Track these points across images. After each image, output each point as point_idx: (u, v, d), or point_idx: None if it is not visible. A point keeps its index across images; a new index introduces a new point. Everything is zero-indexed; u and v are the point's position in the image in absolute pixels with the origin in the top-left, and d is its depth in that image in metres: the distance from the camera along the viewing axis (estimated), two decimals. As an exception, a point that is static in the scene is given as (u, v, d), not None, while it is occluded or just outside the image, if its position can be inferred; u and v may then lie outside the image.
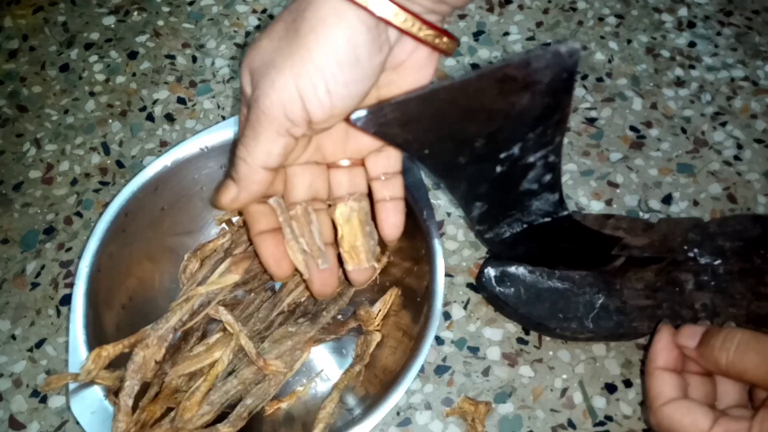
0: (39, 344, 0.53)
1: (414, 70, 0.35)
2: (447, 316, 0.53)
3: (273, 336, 0.47)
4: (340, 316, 0.51)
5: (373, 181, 0.40)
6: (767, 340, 0.30)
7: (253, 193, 0.35)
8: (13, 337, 0.53)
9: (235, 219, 0.53)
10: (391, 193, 0.39)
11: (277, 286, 0.51)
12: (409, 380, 0.42)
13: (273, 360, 0.45)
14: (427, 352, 0.42)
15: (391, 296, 0.50)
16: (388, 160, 0.39)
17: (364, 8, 0.29)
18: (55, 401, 0.50)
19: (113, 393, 0.43)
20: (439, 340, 0.52)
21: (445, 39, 0.33)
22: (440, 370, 0.51)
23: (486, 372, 0.50)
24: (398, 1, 0.30)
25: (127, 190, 0.49)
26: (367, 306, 0.49)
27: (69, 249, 0.56)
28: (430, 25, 0.31)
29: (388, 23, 0.30)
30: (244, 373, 0.45)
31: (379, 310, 0.49)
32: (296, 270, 0.41)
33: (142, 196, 0.49)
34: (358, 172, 0.40)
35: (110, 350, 0.43)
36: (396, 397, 0.41)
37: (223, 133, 0.51)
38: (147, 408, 0.43)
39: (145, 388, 0.44)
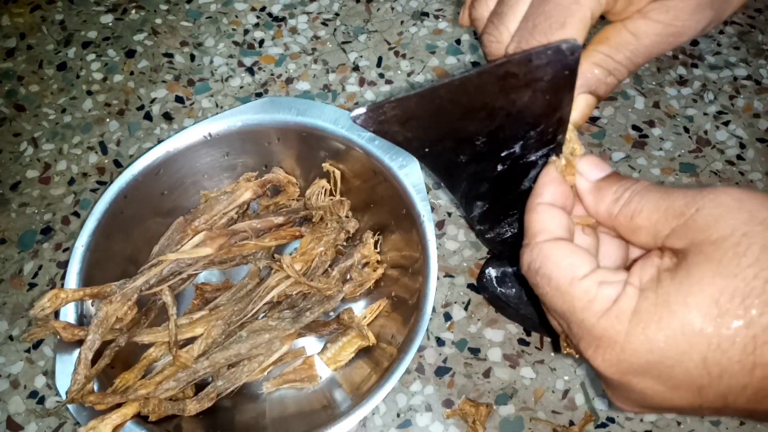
0: (36, 345, 0.52)
1: None
2: (447, 317, 0.52)
3: (252, 326, 0.47)
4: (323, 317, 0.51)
5: None
6: (669, 192, 0.27)
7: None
8: (11, 337, 0.52)
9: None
10: None
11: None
12: (398, 375, 0.42)
13: (184, 353, 0.45)
14: (414, 352, 0.43)
15: (379, 307, 0.50)
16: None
17: None
18: (53, 402, 0.50)
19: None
20: (439, 342, 0.51)
21: None
22: (441, 371, 0.50)
23: (487, 373, 0.50)
24: None
25: (127, 173, 0.49)
26: (351, 311, 0.48)
27: (66, 249, 0.56)
28: None
29: None
30: (216, 357, 0.46)
31: (365, 317, 0.49)
32: None
33: (142, 179, 0.49)
34: None
35: (69, 294, 0.44)
36: (383, 393, 0.42)
37: (228, 121, 0.50)
38: (122, 376, 0.45)
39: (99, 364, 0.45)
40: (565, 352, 0.32)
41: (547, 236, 0.29)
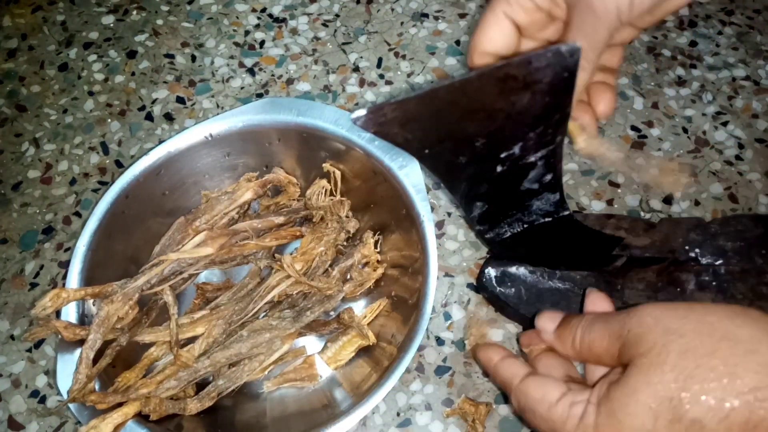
0: (38, 345, 0.52)
1: None
2: (447, 316, 0.53)
3: (253, 326, 0.48)
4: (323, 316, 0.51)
5: None
6: (608, 320, 0.33)
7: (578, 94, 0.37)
8: (12, 337, 0.53)
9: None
10: (602, 78, 0.40)
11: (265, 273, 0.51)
12: (398, 374, 0.43)
13: (185, 352, 0.46)
14: (414, 351, 0.43)
15: (380, 306, 0.50)
16: (610, 54, 0.40)
17: None
18: (55, 402, 0.50)
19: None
20: (439, 341, 0.51)
21: None
22: (440, 370, 0.50)
23: (486, 373, 0.50)
24: None
25: (129, 174, 0.49)
26: (351, 310, 0.49)
27: (68, 249, 0.56)
28: None
29: None
30: (217, 356, 0.46)
31: (365, 316, 0.50)
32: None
33: (143, 179, 0.49)
34: None
35: (70, 294, 0.44)
36: (383, 392, 0.42)
37: (229, 121, 0.51)
38: (123, 376, 0.45)
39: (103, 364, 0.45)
40: None
41: (519, 378, 0.36)
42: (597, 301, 0.38)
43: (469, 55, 0.39)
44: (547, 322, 0.38)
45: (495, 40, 0.38)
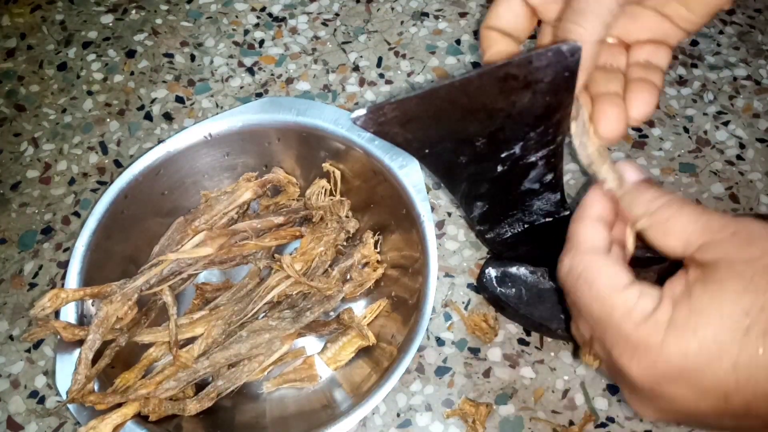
0: (37, 345, 0.52)
1: None
2: (448, 317, 0.52)
3: (252, 326, 0.47)
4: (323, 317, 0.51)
5: (631, 66, 0.36)
6: (708, 212, 0.29)
7: (588, 69, 0.32)
8: (11, 337, 0.52)
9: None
10: (644, 75, 0.36)
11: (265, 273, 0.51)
12: (398, 375, 0.43)
13: (184, 353, 0.45)
14: (414, 352, 0.43)
15: (380, 306, 0.50)
16: (656, 53, 0.37)
17: None
18: (54, 402, 0.50)
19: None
20: (439, 341, 0.51)
21: None
22: (441, 371, 0.50)
23: (487, 373, 0.50)
24: None
25: (128, 173, 0.49)
26: (351, 310, 0.49)
27: (67, 249, 0.56)
28: None
29: None
30: (216, 357, 0.46)
31: (365, 317, 0.49)
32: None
33: (143, 179, 0.49)
34: (619, 53, 0.36)
35: (70, 294, 0.44)
36: (383, 393, 0.42)
37: (228, 121, 0.51)
38: (122, 376, 0.45)
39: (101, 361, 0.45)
40: (584, 360, 0.33)
41: (591, 247, 0.31)
42: (634, 171, 0.32)
43: (480, 37, 0.37)
44: (634, 170, 0.32)
45: (503, 17, 0.35)
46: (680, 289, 0.27)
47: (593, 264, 0.30)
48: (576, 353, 0.50)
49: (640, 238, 0.32)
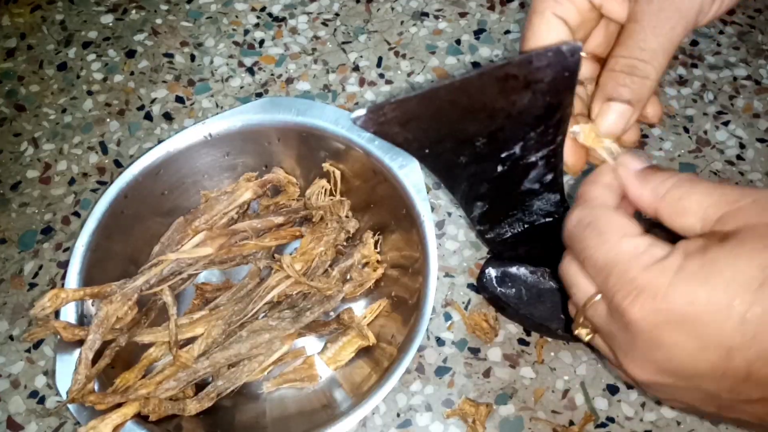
0: (37, 345, 0.52)
1: None
2: (448, 317, 0.52)
3: (252, 326, 0.47)
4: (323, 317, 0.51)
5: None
6: (721, 185, 0.28)
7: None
8: (11, 337, 0.52)
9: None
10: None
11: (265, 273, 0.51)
12: (398, 375, 0.43)
13: (184, 353, 0.45)
14: (414, 352, 0.43)
15: (379, 306, 0.50)
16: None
17: None
18: (54, 402, 0.50)
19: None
20: (439, 341, 0.51)
21: None
22: (441, 371, 0.50)
23: (487, 373, 0.50)
24: None
25: (128, 173, 0.49)
26: (351, 310, 0.49)
27: (66, 249, 0.56)
28: None
29: None
30: (216, 357, 0.46)
31: (365, 317, 0.49)
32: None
33: (143, 179, 0.49)
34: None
35: (69, 294, 0.44)
36: (383, 393, 0.42)
37: (228, 121, 0.51)
38: (122, 376, 0.45)
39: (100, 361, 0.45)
40: (575, 331, 0.32)
41: (602, 203, 0.30)
42: (635, 160, 0.32)
43: None
44: (634, 159, 0.31)
45: (548, 41, 0.34)
46: (695, 246, 0.26)
47: (604, 214, 0.29)
48: (567, 329, 0.49)
49: (659, 225, 0.31)
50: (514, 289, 0.49)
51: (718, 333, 0.24)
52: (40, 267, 0.56)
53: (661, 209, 0.29)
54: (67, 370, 0.43)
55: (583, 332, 0.31)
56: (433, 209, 0.56)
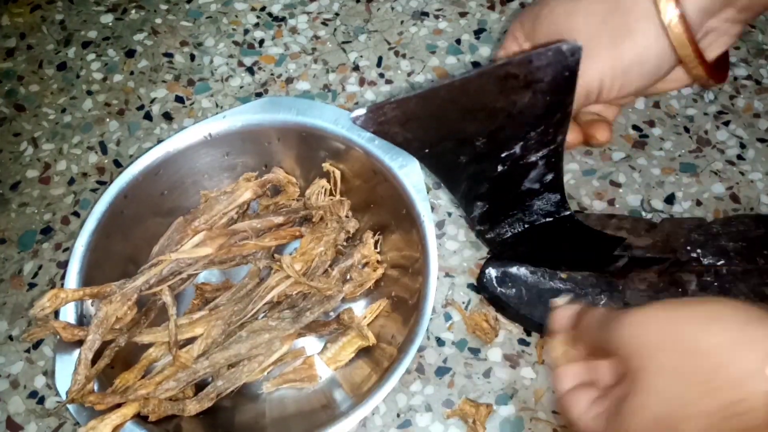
0: (36, 345, 0.52)
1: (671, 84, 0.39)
2: (448, 317, 0.52)
3: (252, 326, 0.47)
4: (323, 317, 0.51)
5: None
6: (607, 327, 0.31)
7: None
8: (11, 337, 0.52)
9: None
10: (599, 118, 0.41)
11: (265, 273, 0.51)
12: (398, 375, 0.42)
13: (183, 353, 0.45)
14: (414, 352, 0.43)
15: (380, 306, 0.50)
16: (606, 109, 0.41)
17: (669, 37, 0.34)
18: (53, 402, 0.50)
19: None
20: (439, 342, 0.51)
21: (710, 81, 0.37)
22: (441, 371, 0.50)
23: (487, 373, 0.50)
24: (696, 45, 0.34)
25: (127, 173, 0.49)
26: (351, 311, 0.48)
27: (66, 249, 0.56)
28: (705, 67, 0.35)
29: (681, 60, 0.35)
30: (216, 357, 0.46)
31: (365, 317, 0.49)
32: None
33: (142, 179, 0.49)
34: None
35: (69, 294, 0.44)
36: (383, 393, 0.42)
37: (228, 120, 0.50)
38: (122, 376, 0.45)
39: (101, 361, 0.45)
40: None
41: (560, 392, 0.36)
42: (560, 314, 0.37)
43: None
44: (562, 322, 0.37)
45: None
46: (612, 405, 0.31)
47: (566, 403, 0.34)
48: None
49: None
50: (514, 289, 0.49)
51: None
52: (40, 267, 0.55)
53: (600, 351, 0.34)
54: (67, 370, 0.43)
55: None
56: (433, 209, 0.56)
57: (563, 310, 0.37)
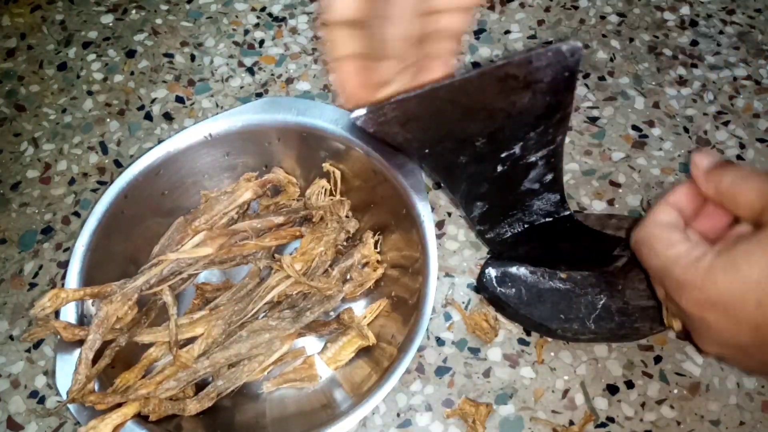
0: (37, 345, 0.52)
1: None
2: (448, 316, 0.52)
3: (252, 326, 0.47)
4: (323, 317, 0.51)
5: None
6: (759, 174, 0.33)
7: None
8: (11, 337, 0.52)
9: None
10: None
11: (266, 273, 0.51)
12: (398, 375, 0.43)
13: (184, 352, 0.45)
14: (414, 352, 0.43)
15: (380, 306, 0.50)
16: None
17: None
18: (54, 402, 0.50)
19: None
20: (439, 341, 0.51)
21: None
22: (441, 371, 0.50)
23: (487, 373, 0.50)
24: None
25: (128, 173, 0.49)
26: (351, 310, 0.49)
27: (67, 249, 0.56)
28: None
29: None
30: (216, 357, 0.46)
31: (365, 317, 0.49)
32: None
33: (143, 179, 0.49)
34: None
35: (70, 294, 0.44)
36: (383, 393, 0.42)
37: (228, 121, 0.51)
38: (122, 376, 0.45)
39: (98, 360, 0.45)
40: (667, 323, 0.41)
41: (653, 221, 0.36)
42: (704, 158, 0.37)
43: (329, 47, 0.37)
44: (704, 158, 0.36)
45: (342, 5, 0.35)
46: (728, 243, 0.32)
47: (653, 231, 0.36)
48: (567, 329, 0.49)
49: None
50: (514, 289, 0.49)
51: (744, 314, 0.30)
52: (40, 267, 0.56)
53: (722, 200, 0.35)
54: (67, 370, 0.43)
55: (672, 322, 0.40)
56: (433, 209, 0.56)
57: (698, 158, 0.37)
